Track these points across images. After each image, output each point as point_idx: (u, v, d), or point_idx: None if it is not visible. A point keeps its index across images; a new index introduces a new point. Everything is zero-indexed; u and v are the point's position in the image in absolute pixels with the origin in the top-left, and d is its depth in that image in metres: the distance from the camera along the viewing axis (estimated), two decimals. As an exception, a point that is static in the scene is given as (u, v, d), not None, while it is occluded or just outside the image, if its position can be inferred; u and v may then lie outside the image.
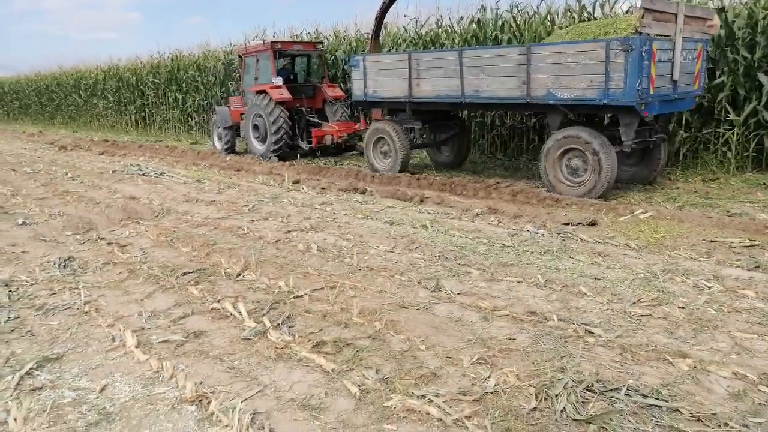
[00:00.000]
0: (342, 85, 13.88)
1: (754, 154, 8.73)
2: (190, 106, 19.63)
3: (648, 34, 6.74)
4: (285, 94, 11.80)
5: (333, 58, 14.62)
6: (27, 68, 31.47)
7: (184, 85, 19.73)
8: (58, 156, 14.54)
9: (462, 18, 12.70)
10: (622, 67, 6.69)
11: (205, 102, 19.01)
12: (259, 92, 12.14)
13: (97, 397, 3.12)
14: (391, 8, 11.03)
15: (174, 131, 20.47)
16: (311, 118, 12.68)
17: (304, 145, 12.39)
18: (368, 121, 11.97)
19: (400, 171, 9.55)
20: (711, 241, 5.42)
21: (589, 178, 7.27)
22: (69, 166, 12.29)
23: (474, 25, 12.27)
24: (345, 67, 13.95)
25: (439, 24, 13.27)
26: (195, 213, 7.48)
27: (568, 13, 10.99)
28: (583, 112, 7.84)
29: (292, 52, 12.91)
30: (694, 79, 7.75)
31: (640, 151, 8.02)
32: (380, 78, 9.64)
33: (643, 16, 6.69)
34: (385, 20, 11.77)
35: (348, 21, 20.98)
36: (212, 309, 4.27)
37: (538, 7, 11.49)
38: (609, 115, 8.05)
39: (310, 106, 12.88)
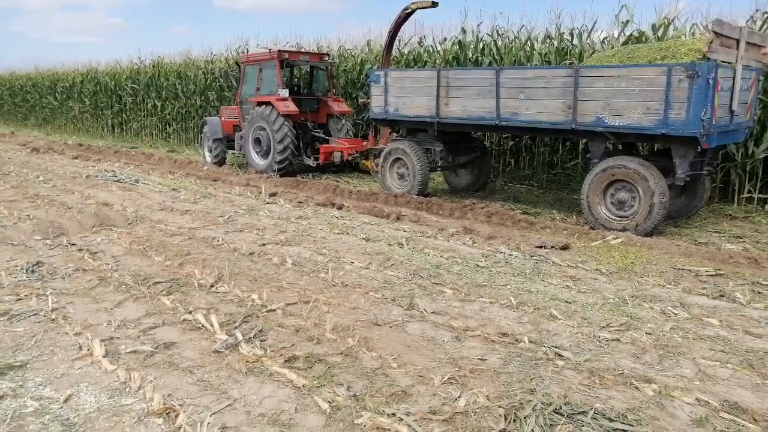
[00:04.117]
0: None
1: (721, 185, 9.01)
2: (169, 114, 19.50)
3: (714, 60, 6.39)
4: (291, 107, 11.28)
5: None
6: (2, 68, 30.92)
7: (163, 92, 19.60)
8: (30, 158, 14.26)
9: (445, 39, 12.92)
10: (685, 94, 6.25)
11: (184, 110, 18.89)
12: (262, 103, 11.63)
13: (61, 408, 3.05)
14: (405, 23, 10.99)
15: (151, 138, 20.27)
16: (316, 134, 12.25)
17: (310, 161, 11.90)
18: (376, 139, 11.74)
19: (418, 194, 9.01)
20: (678, 268, 5.55)
21: (639, 212, 6.76)
22: (41, 169, 12.06)
23: (456, 47, 12.49)
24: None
25: (422, 43, 13.47)
26: (169, 222, 7.40)
27: (548, 40, 11.27)
28: (632, 140, 7.45)
29: (299, 62, 12.41)
30: (746, 110, 7.43)
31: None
32: (403, 95, 9.05)
33: (712, 41, 6.36)
34: (399, 34, 11.59)
35: (330, 36, 21.04)
36: (183, 320, 4.22)
37: (518, 32, 11.77)
38: (658, 145, 7.64)
39: (313, 121, 12.43)
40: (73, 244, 6.25)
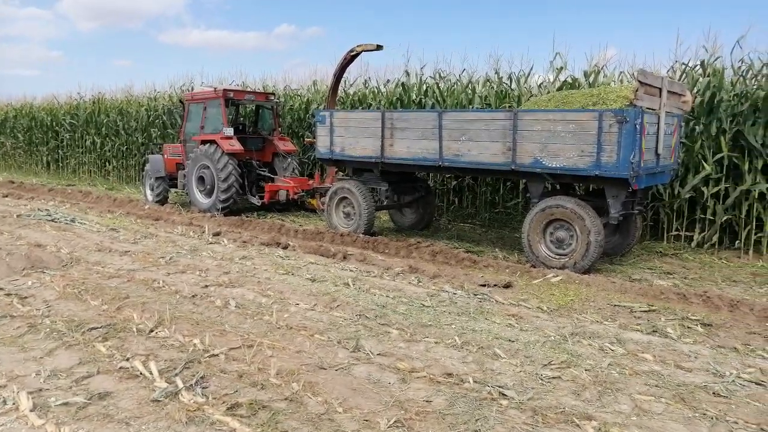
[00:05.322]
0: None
1: (651, 224, 9.48)
2: (109, 151, 18.96)
3: (640, 107, 6.79)
4: (236, 145, 11.28)
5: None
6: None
7: (103, 128, 19.08)
8: (-45, 196, 13.52)
9: (389, 81, 13.24)
10: (615, 138, 6.61)
11: (125, 148, 18.44)
12: (206, 142, 11.54)
13: (-17, 468, 2.86)
14: (350, 65, 11.23)
15: (89, 176, 19.62)
16: (261, 172, 12.25)
17: (255, 200, 11.87)
18: (323, 178, 11.77)
19: (364, 233, 9.07)
20: (614, 305, 5.77)
21: (577, 250, 7.05)
22: (-33, 208, 11.44)
23: (399, 89, 12.80)
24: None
25: (367, 85, 13.74)
26: (107, 263, 7.13)
27: (488, 83, 11.72)
28: (569, 181, 7.76)
29: (245, 101, 12.47)
30: (671, 153, 7.90)
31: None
32: (349, 135, 9.17)
33: (637, 90, 6.76)
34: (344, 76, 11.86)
35: (276, 75, 21.15)
36: (120, 368, 4.05)
37: (460, 76, 12.20)
38: (593, 186, 7.94)
39: (259, 159, 12.43)
40: (0, 289, 5.93)
